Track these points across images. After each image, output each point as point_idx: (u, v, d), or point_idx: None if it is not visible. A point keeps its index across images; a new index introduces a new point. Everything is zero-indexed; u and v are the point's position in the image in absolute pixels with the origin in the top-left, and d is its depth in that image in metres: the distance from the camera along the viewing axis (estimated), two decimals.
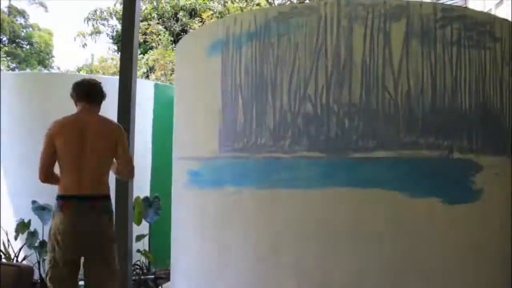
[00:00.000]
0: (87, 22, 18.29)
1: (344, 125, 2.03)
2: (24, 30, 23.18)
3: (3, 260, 4.39)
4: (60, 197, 2.49)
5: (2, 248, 4.65)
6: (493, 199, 2.13)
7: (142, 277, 4.48)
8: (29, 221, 4.55)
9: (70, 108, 5.24)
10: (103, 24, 18.84)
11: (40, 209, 4.49)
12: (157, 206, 4.65)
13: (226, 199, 2.24)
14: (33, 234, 4.46)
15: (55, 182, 2.56)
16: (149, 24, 14.95)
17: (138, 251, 4.37)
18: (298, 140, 2.08)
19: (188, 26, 15.31)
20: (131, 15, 3.02)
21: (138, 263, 4.73)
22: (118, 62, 5.35)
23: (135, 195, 3.04)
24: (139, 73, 13.82)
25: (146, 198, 4.67)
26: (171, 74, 13.01)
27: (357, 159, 2.02)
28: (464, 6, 7.37)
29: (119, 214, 2.90)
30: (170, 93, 5.40)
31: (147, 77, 14.11)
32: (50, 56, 23.95)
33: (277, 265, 2.10)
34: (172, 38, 15.87)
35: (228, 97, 2.27)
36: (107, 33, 19.76)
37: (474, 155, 2.09)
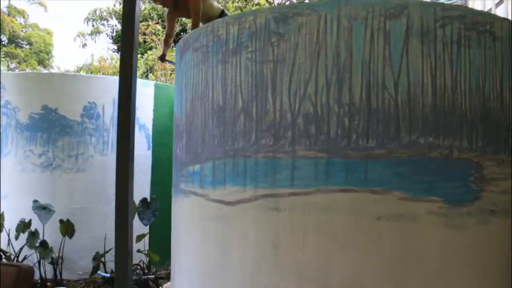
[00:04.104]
0: (87, 22, 18.30)
1: (344, 125, 2.04)
2: (24, 30, 23.18)
3: (3, 260, 4.40)
4: None
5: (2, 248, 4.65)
6: (493, 199, 2.13)
7: (143, 277, 4.48)
8: (30, 221, 4.56)
9: (70, 107, 5.26)
10: (102, 24, 18.85)
11: (40, 209, 4.50)
12: (155, 207, 4.65)
13: (226, 199, 2.24)
14: (33, 234, 4.47)
15: None
16: (148, 25, 14.96)
17: (139, 251, 4.37)
18: (298, 140, 2.08)
19: (188, 25, 15.30)
20: (131, 15, 3.02)
21: (139, 263, 4.73)
22: (118, 62, 5.35)
23: (135, 194, 3.04)
24: (139, 73, 13.82)
25: (144, 200, 4.67)
26: (170, 74, 13.02)
27: (357, 159, 2.02)
28: (464, 5, 7.37)
29: (119, 214, 2.90)
30: (171, 93, 5.41)
31: (147, 77, 14.12)
32: (50, 56, 23.96)
33: (277, 265, 2.10)
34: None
35: (228, 97, 2.27)
36: (106, 33, 19.77)
37: (474, 155, 2.09)
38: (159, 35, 15.46)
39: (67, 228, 4.53)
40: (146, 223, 4.56)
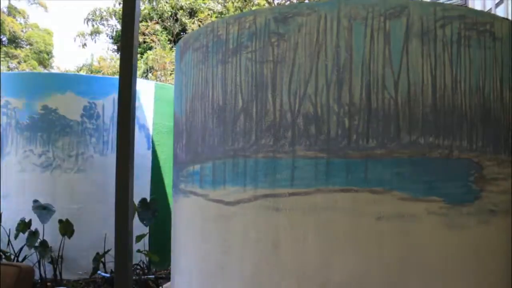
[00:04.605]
0: (87, 22, 18.30)
1: (344, 125, 2.04)
2: (24, 30, 23.16)
3: (3, 260, 4.39)
4: None
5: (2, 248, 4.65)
6: (493, 199, 2.13)
7: (143, 277, 4.48)
8: (30, 221, 4.56)
9: (70, 107, 5.26)
10: (102, 24, 18.84)
11: (40, 209, 4.50)
12: (155, 208, 4.62)
13: (226, 199, 2.24)
14: (34, 234, 4.47)
15: None
16: (148, 25, 14.96)
17: (139, 251, 4.37)
18: (298, 140, 2.08)
19: (188, 26, 15.31)
20: (131, 15, 3.02)
21: (139, 263, 4.73)
22: (118, 62, 5.34)
23: (135, 195, 3.04)
24: (139, 73, 13.81)
25: (144, 200, 4.64)
26: (170, 74, 13.02)
27: (357, 159, 2.02)
28: (464, 5, 7.37)
29: (119, 214, 2.90)
30: (171, 93, 5.41)
31: (147, 77, 14.13)
32: (50, 56, 23.95)
33: (277, 265, 2.10)
34: (171, 38, 15.87)
35: (228, 97, 2.27)
36: (106, 33, 19.76)
37: (474, 155, 2.09)
38: (158, 35, 15.46)
39: (66, 228, 4.53)
40: (146, 224, 4.55)
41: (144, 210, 4.52)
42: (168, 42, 15.47)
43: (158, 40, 15.16)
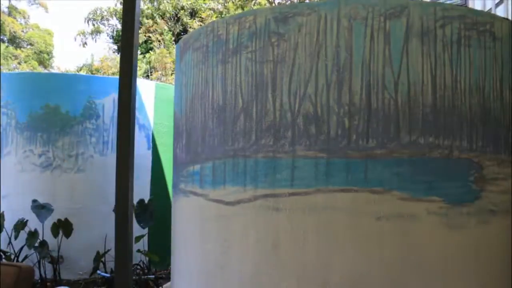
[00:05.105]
0: (87, 22, 18.30)
1: (344, 125, 2.04)
2: (25, 31, 23.17)
3: (3, 260, 4.39)
4: None
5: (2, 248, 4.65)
6: (493, 199, 2.13)
7: (143, 277, 4.48)
8: (26, 221, 4.56)
9: (70, 107, 5.26)
10: (103, 24, 18.84)
11: (39, 208, 4.50)
12: (152, 210, 4.55)
13: (226, 199, 2.24)
14: (33, 234, 4.46)
15: None
16: (155, 22, 14.91)
17: (139, 251, 4.37)
18: (298, 140, 2.08)
19: (189, 26, 15.31)
20: (131, 15, 3.02)
21: (139, 263, 4.73)
22: (118, 62, 5.33)
23: (135, 195, 3.04)
24: (139, 73, 13.81)
25: (141, 201, 4.57)
26: (171, 74, 13.02)
27: (357, 159, 2.02)
28: (464, 5, 7.36)
29: (119, 214, 2.90)
30: (171, 93, 5.40)
31: (147, 77, 14.12)
32: (50, 56, 23.95)
33: (277, 265, 2.10)
34: (173, 38, 15.87)
35: (228, 97, 2.27)
36: (107, 33, 19.76)
37: (474, 155, 2.09)
38: (163, 33, 15.46)
39: (65, 228, 4.52)
40: (143, 227, 4.49)
41: (141, 212, 4.46)
42: (171, 43, 15.47)
43: (163, 40, 15.16)
